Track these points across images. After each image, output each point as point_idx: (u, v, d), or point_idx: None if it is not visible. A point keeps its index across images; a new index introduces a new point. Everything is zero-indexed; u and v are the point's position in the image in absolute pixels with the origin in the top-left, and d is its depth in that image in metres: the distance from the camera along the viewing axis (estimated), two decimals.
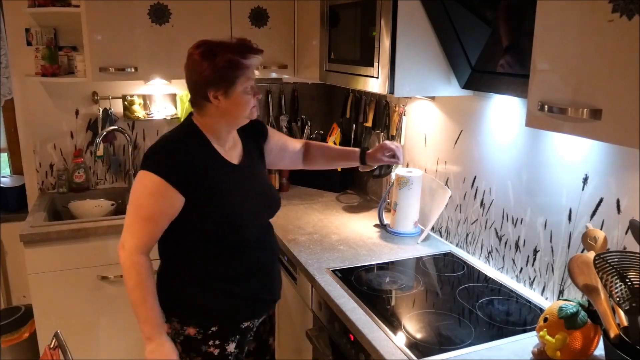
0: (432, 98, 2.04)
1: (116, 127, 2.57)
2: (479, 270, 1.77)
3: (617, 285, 1.08)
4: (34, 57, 2.43)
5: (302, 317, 1.87)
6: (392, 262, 1.83)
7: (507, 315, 1.49)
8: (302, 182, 2.79)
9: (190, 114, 1.51)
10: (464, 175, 1.91)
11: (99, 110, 2.60)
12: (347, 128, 2.68)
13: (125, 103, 2.64)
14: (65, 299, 2.18)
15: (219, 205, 1.45)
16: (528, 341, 1.33)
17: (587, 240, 1.28)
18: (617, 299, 1.08)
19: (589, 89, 0.98)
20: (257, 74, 1.51)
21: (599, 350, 1.21)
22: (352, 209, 2.44)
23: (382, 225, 2.16)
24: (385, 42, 1.61)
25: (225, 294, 1.50)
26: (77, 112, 2.61)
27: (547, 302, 1.53)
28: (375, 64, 1.68)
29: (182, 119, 2.67)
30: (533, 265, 1.60)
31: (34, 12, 2.37)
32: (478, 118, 1.81)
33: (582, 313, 1.19)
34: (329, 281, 1.66)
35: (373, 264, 1.81)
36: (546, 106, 1.05)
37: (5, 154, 2.85)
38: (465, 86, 1.63)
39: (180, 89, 2.72)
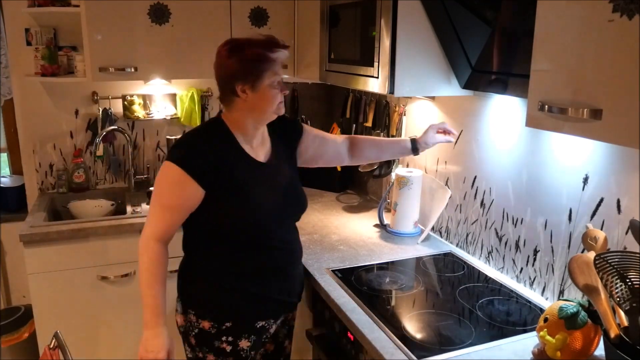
0: (432, 98, 2.04)
1: (116, 127, 2.57)
2: (479, 271, 1.77)
3: (618, 285, 1.08)
4: (33, 57, 2.43)
5: (302, 317, 1.87)
6: (392, 262, 1.83)
7: (507, 316, 1.49)
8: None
9: (220, 112, 1.53)
10: (464, 175, 1.91)
11: (99, 110, 2.60)
12: (347, 128, 2.67)
13: (125, 103, 2.64)
14: (65, 299, 2.18)
15: (239, 201, 1.45)
16: (528, 341, 1.33)
17: (587, 240, 1.27)
18: (618, 299, 1.08)
19: (589, 89, 0.98)
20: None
21: (599, 350, 1.21)
22: (352, 209, 2.44)
23: (382, 225, 2.16)
24: (385, 42, 1.61)
25: (242, 292, 1.51)
26: (76, 112, 2.61)
27: (547, 302, 1.53)
28: (375, 63, 1.68)
29: (182, 119, 2.70)
30: (533, 265, 1.60)
31: (34, 12, 2.37)
32: (478, 118, 1.81)
33: (583, 313, 1.19)
34: (329, 281, 1.66)
35: (373, 264, 1.81)
36: (546, 106, 1.05)
37: (5, 154, 2.85)
38: (465, 86, 1.63)
39: (180, 88, 2.72)
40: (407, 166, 2.25)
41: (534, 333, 1.30)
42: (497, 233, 1.75)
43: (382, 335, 1.35)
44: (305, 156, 1.71)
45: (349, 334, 1.48)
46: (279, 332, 1.71)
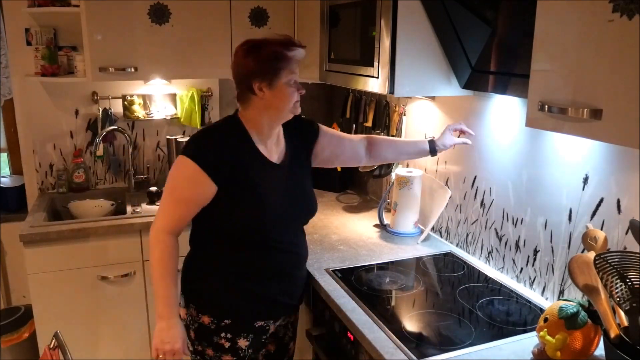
0: (432, 98, 2.04)
1: (116, 127, 2.57)
2: (479, 271, 1.77)
3: (618, 285, 1.08)
4: (33, 57, 2.43)
5: (302, 317, 1.87)
6: (392, 262, 1.83)
7: (507, 316, 1.48)
8: None
9: (236, 110, 1.53)
10: (464, 175, 1.90)
11: (99, 110, 2.60)
12: (347, 128, 2.67)
13: (125, 103, 2.64)
14: (65, 299, 2.18)
15: (249, 200, 1.46)
16: (528, 341, 1.33)
17: (587, 240, 1.27)
18: (618, 299, 1.08)
19: (589, 89, 0.98)
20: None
21: (599, 350, 1.21)
22: (352, 209, 2.44)
23: (382, 225, 2.16)
24: (385, 42, 1.61)
25: (243, 291, 1.52)
26: (76, 112, 2.61)
27: (547, 302, 1.53)
28: (375, 64, 1.68)
29: (182, 119, 2.70)
30: (533, 265, 1.60)
31: (34, 12, 2.37)
32: (478, 118, 1.81)
33: (583, 313, 1.19)
34: (329, 281, 1.66)
35: (373, 264, 1.81)
36: (546, 106, 1.05)
37: (5, 154, 2.85)
38: (465, 86, 1.63)
39: (180, 88, 2.72)
40: (407, 166, 2.25)
41: (534, 333, 1.30)
42: (497, 233, 1.75)
43: (382, 335, 1.35)
44: (321, 157, 1.70)
45: (349, 334, 1.48)
46: (282, 334, 1.71)
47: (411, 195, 2.02)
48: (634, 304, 1.07)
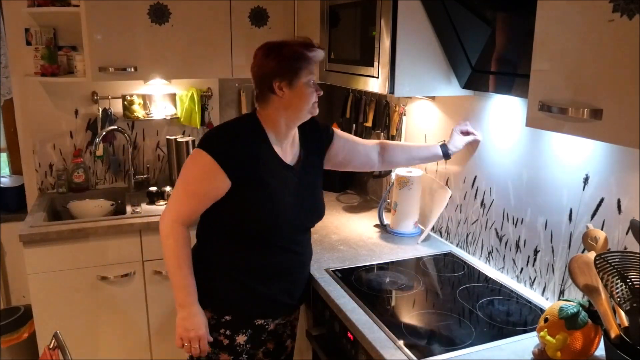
0: (432, 98, 2.04)
1: (116, 127, 2.57)
2: (479, 271, 1.76)
3: (618, 285, 1.08)
4: (33, 57, 2.43)
5: (302, 317, 1.87)
6: (392, 262, 1.83)
7: (507, 316, 1.48)
8: None
9: (254, 109, 1.55)
10: (464, 175, 1.90)
11: (99, 110, 2.60)
12: (347, 128, 2.67)
13: (125, 103, 2.64)
14: (65, 299, 2.18)
15: (260, 199, 1.47)
16: (528, 341, 1.33)
17: (587, 240, 1.27)
18: (618, 299, 1.08)
19: (589, 89, 0.98)
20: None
21: (600, 350, 1.21)
22: (352, 209, 2.44)
23: (382, 225, 2.16)
24: (385, 42, 1.61)
25: (244, 288, 1.53)
26: (76, 112, 2.61)
27: (547, 303, 1.53)
28: (375, 63, 1.67)
29: (182, 119, 2.69)
30: (533, 265, 1.60)
31: (34, 11, 2.37)
32: (478, 118, 1.81)
33: (583, 313, 1.19)
34: (329, 281, 1.66)
35: (373, 264, 1.81)
36: (546, 106, 1.05)
37: (5, 154, 2.85)
38: (466, 86, 1.63)
39: (180, 88, 2.72)
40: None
41: (534, 333, 1.30)
42: (497, 233, 1.75)
43: (382, 335, 1.35)
44: (334, 160, 1.73)
45: (349, 334, 1.48)
46: (282, 332, 1.71)
47: (411, 195, 2.02)
48: (635, 304, 1.07)
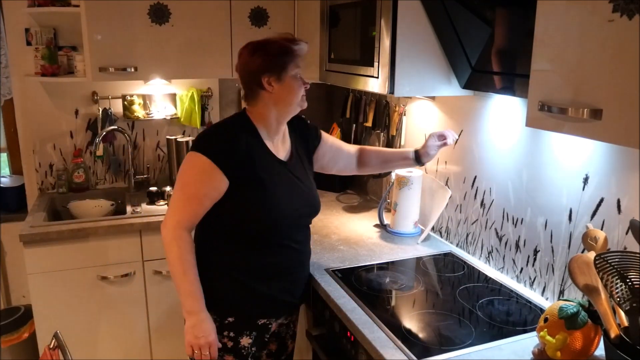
0: (432, 98, 2.04)
1: (116, 127, 2.57)
2: (479, 271, 1.77)
3: (618, 285, 1.08)
4: (33, 57, 2.43)
5: (302, 317, 1.87)
6: (392, 262, 1.83)
7: (507, 316, 1.48)
8: None
9: (244, 108, 1.56)
10: (464, 175, 1.90)
11: (99, 110, 2.60)
12: (347, 128, 2.67)
13: (125, 103, 2.64)
14: (65, 299, 2.18)
15: (258, 196, 1.47)
16: (528, 341, 1.33)
17: (587, 240, 1.27)
18: (618, 299, 1.08)
19: (589, 89, 0.98)
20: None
21: (600, 350, 1.21)
22: (352, 209, 2.44)
23: (382, 225, 2.16)
24: (385, 42, 1.61)
25: (245, 288, 1.52)
26: (76, 112, 2.61)
27: (547, 302, 1.53)
28: (375, 63, 1.68)
29: (182, 119, 2.70)
30: (533, 265, 1.60)
31: (34, 12, 2.37)
32: (478, 118, 1.81)
33: (583, 313, 1.19)
34: (329, 281, 1.66)
35: (373, 264, 1.81)
36: (546, 106, 1.05)
37: (5, 154, 2.85)
38: (466, 86, 1.63)
39: (180, 88, 2.72)
40: None
41: (534, 333, 1.30)
42: (497, 233, 1.75)
43: (382, 335, 1.35)
44: (321, 162, 1.75)
45: (349, 334, 1.48)
46: (284, 333, 1.72)
47: (411, 195, 2.02)
48: (634, 304, 1.07)
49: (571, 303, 1.22)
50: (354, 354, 1.46)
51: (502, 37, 1.39)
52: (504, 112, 1.69)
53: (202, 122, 2.73)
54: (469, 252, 1.91)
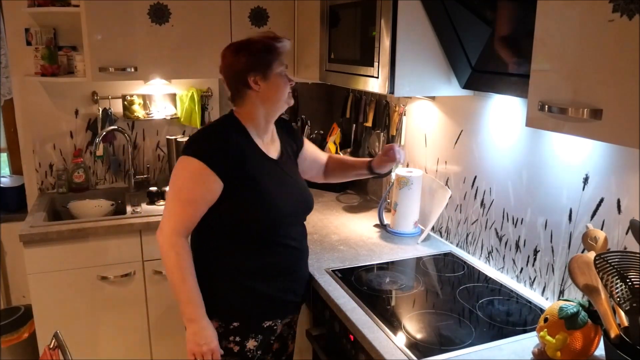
0: (432, 98, 2.04)
1: (116, 127, 2.57)
2: (479, 271, 1.77)
3: (618, 285, 1.08)
4: (33, 57, 2.43)
5: (302, 317, 1.87)
6: (392, 262, 1.83)
7: (507, 316, 1.48)
8: None
9: (231, 110, 1.56)
10: (464, 175, 1.90)
11: (99, 110, 2.60)
12: (347, 128, 2.67)
13: (125, 103, 2.64)
14: (65, 299, 2.18)
15: (254, 196, 1.47)
16: (528, 341, 1.33)
17: (587, 240, 1.27)
18: (618, 299, 1.08)
19: (589, 89, 0.98)
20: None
21: (600, 350, 1.21)
22: (352, 209, 2.44)
23: (382, 225, 2.16)
24: (385, 42, 1.61)
25: (249, 291, 1.51)
26: (76, 112, 2.61)
27: (547, 302, 1.53)
28: (375, 63, 1.67)
29: (182, 119, 2.69)
30: (533, 265, 1.60)
31: (34, 11, 2.37)
32: (478, 118, 1.81)
33: (583, 313, 1.19)
34: (329, 281, 1.66)
35: (373, 264, 1.81)
36: (546, 106, 1.05)
37: (5, 154, 2.85)
38: (466, 86, 1.63)
39: (180, 88, 2.72)
40: (407, 166, 2.25)
41: (534, 333, 1.30)
42: (497, 233, 1.75)
43: (382, 335, 1.35)
44: (302, 166, 1.77)
45: (349, 334, 1.48)
46: (287, 334, 1.72)
47: (411, 195, 2.02)
48: (634, 304, 1.07)
49: (571, 303, 1.22)
50: (354, 354, 1.46)
51: (502, 37, 1.39)
52: (504, 112, 1.69)
53: (202, 122, 2.73)
54: (469, 252, 1.91)
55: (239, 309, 1.52)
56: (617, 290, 1.08)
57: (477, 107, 1.81)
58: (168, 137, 2.67)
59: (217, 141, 1.46)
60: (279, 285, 1.56)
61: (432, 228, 2.07)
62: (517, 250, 1.67)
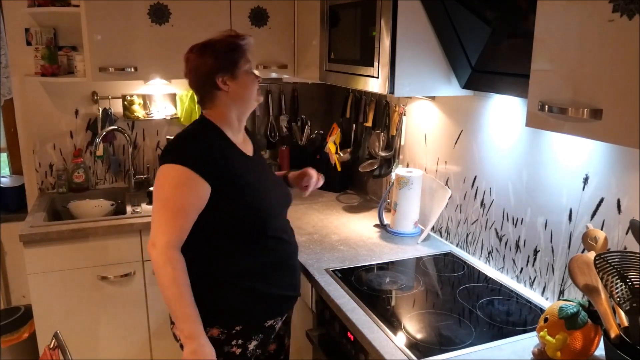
0: (432, 98, 2.04)
1: (116, 127, 2.57)
2: (479, 271, 1.77)
3: (618, 285, 1.08)
4: (33, 57, 2.43)
5: (302, 317, 1.87)
6: (392, 262, 1.83)
7: (507, 316, 1.48)
8: None
9: (202, 114, 1.55)
10: (464, 175, 1.90)
11: (99, 110, 2.60)
12: (347, 128, 2.67)
13: (125, 103, 2.64)
14: (65, 299, 2.18)
15: (242, 194, 1.47)
16: (528, 341, 1.33)
17: (587, 240, 1.27)
18: (618, 299, 1.08)
19: (589, 89, 0.98)
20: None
21: (600, 350, 1.21)
22: (352, 209, 2.44)
23: (382, 225, 2.16)
24: (385, 42, 1.61)
25: (249, 292, 1.50)
26: (76, 112, 2.61)
27: (547, 303, 1.53)
28: (375, 63, 1.68)
29: (182, 119, 2.70)
30: (533, 265, 1.60)
31: (34, 12, 2.37)
32: (478, 118, 1.81)
33: (583, 313, 1.19)
34: (329, 281, 1.66)
35: (373, 264, 1.81)
36: (546, 106, 1.05)
37: (5, 154, 2.85)
38: (466, 86, 1.63)
39: (180, 88, 2.72)
40: (407, 166, 2.25)
41: (534, 333, 1.30)
42: (497, 233, 1.75)
43: (382, 335, 1.35)
44: None
45: (349, 334, 1.48)
46: (282, 330, 1.71)
47: (411, 195, 2.02)
48: (634, 304, 1.07)
49: (571, 303, 1.22)
50: (354, 354, 1.46)
51: (502, 37, 1.39)
52: (504, 112, 1.69)
53: None
54: (469, 252, 1.91)
55: (241, 312, 1.50)
56: (617, 290, 1.08)
57: (477, 107, 1.81)
58: (168, 137, 2.67)
59: (198, 144, 1.44)
60: (278, 281, 1.55)
61: (432, 228, 2.07)
62: (517, 250, 1.67)
